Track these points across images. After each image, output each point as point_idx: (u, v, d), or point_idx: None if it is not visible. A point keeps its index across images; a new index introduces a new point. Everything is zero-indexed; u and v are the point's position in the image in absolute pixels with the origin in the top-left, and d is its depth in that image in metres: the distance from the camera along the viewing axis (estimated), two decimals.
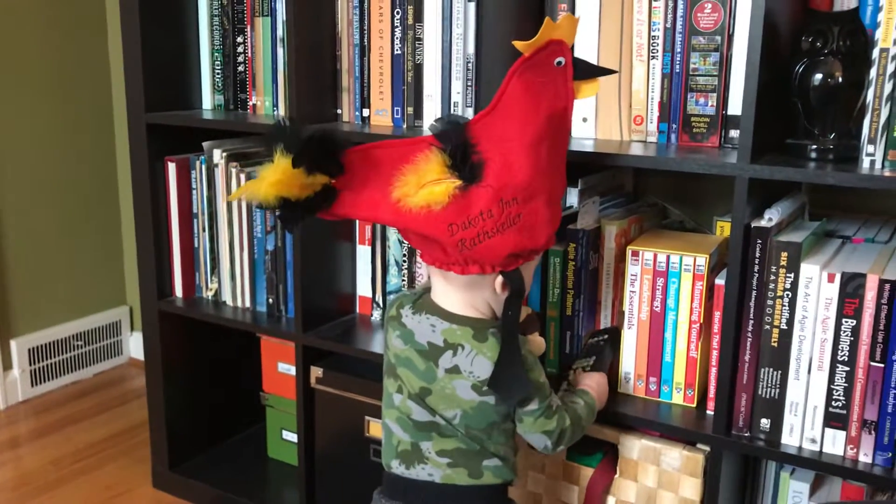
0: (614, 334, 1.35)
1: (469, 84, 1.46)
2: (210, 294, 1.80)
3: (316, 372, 1.63)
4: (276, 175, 0.99)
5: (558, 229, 1.13)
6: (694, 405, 1.32)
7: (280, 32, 1.66)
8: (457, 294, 1.13)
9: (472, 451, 1.14)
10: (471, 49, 1.44)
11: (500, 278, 1.10)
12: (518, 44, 1.04)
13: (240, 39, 1.72)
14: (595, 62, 1.37)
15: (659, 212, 1.53)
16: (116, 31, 2.42)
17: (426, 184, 1.03)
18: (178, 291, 1.82)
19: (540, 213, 1.07)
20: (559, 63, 1.07)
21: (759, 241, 1.16)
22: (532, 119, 1.05)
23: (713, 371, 1.28)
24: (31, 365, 2.38)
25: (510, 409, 1.14)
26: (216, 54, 1.76)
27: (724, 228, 1.40)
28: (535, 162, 1.05)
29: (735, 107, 1.29)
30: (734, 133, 1.29)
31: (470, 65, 1.45)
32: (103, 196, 2.53)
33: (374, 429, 1.59)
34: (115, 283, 2.61)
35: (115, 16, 2.43)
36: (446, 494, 1.15)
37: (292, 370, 1.84)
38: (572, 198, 1.53)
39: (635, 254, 1.30)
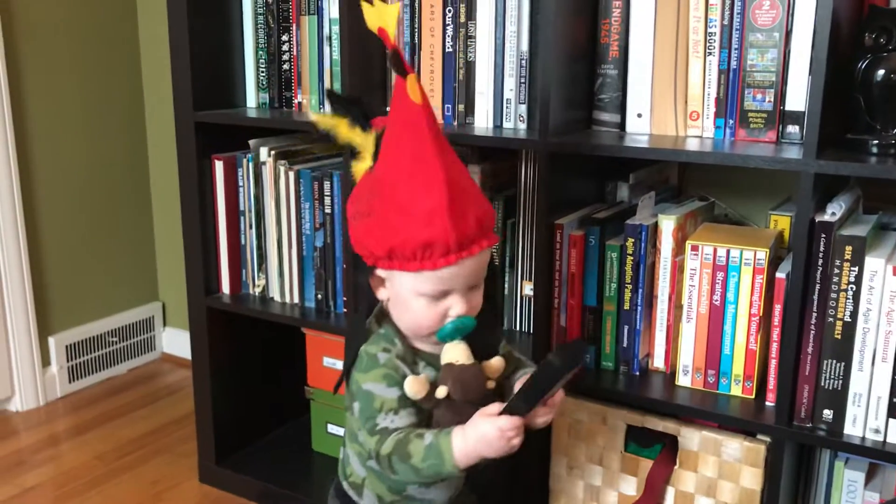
0: (568, 355, 1.00)
1: (522, 81, 1.47)
2: (257, 290, 1.82)
3: None
4: (327, 116, 1.14)
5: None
6: (752, 397, 1.33)
7: (327, 31, 1.67)
8: None
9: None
10: (525, 46, 1.46)
11: None
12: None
13: (285, 38, 1.74)
14: (650, 58, 1.39)
15: (709, 206, 1.54)
16: (147, 28, 2.44)
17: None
18: (225, 288, 1.84)
19: (385, 217, 1.03)
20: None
21: (824, 236, 1.18)
22: (391, 119, 1.07)
23: (772, 363, 1.30)
24: (68, 361, 2.40)
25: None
26: (261, 53, 1.77)
27: (777, 222, 1.42)
28: (387, 160, 1.05)
29: (793, 102, 1.30)
30: (791, 128, 1.31)
31: (524, 62, 1.46)
32: (135, 194, 2.55)
33: None
34: (148, 279, 2.63)
35: (146, 13, 2.44)
36: None
37: (337, 364, 1.86)
38: (623, 192, 1.55)
39: (695, 248, 1.32)
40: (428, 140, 1.03)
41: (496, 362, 1.11)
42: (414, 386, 1.05)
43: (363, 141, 1.12)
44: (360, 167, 1.13)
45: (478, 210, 1.05)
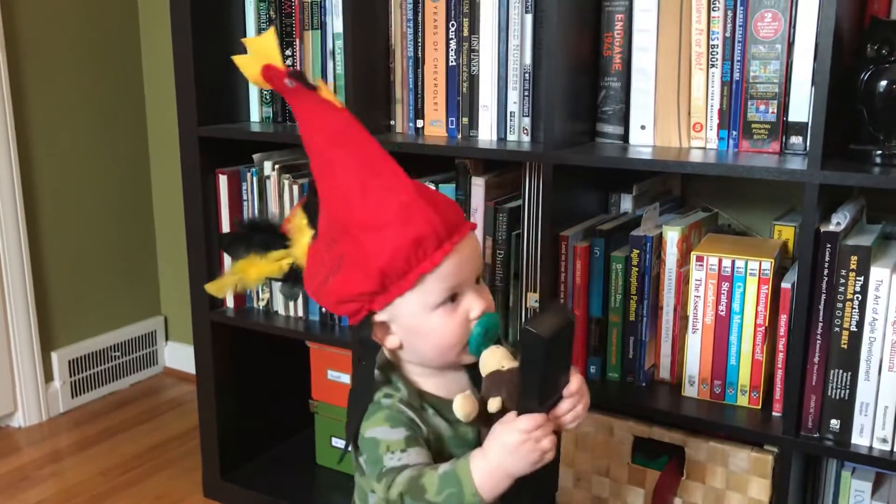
0: (549, 318, 0.89)
1: (526, 94, 1.48)
2: (262, 304, 1.82)
3: None
4: (236, 267, 1.07)
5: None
6: (759, 407, 1.34)
7: (330, 45, 1.68)
8: None
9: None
10: (528, 59, 1.47)
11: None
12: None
13: (288, 52, 1.74)
14: (653, 70, 1.40)
15: (713, 216, 1.55)
16: (149, 45, 2.45)
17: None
18: (229, 302, 1.84)
19: (359, 248, 0.92)
20: (290, 83, 0.96)
21: (829, 246, 1.19)
22: (315, 149, 0.97)
23: (778, 373, 1.31)
24: (71, 377, 2.40)
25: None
26: None
27: (781, 232, 1.42)
28: (332, 193, 0.95)
29: (796, 113, 1.31)
30: (795, 139, 1.32)
31: (527, 75, 1.47)
32: (137, 209, 2.55)
33: None
34: (150, 293, 2.63)
35: (148, 31, 2.45)
36: None
37: (342, 377, 1.86)
38: (626, 204, 1.56)
39: (700, 259, 1.33)
40: (366, 142, 0.96)
41: None
42: (465, 405, 0.90)
43: (287, 251, 1.05)
44: (302, 245, 1.03)
45: (444, 198, 0.98)
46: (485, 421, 0.92)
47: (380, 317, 0.97)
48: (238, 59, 1.00)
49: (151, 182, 2.57)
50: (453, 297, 0.95)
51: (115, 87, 2.43)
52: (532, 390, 0.89)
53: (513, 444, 0.88)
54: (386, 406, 0.97)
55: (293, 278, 1.06)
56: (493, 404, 0.91)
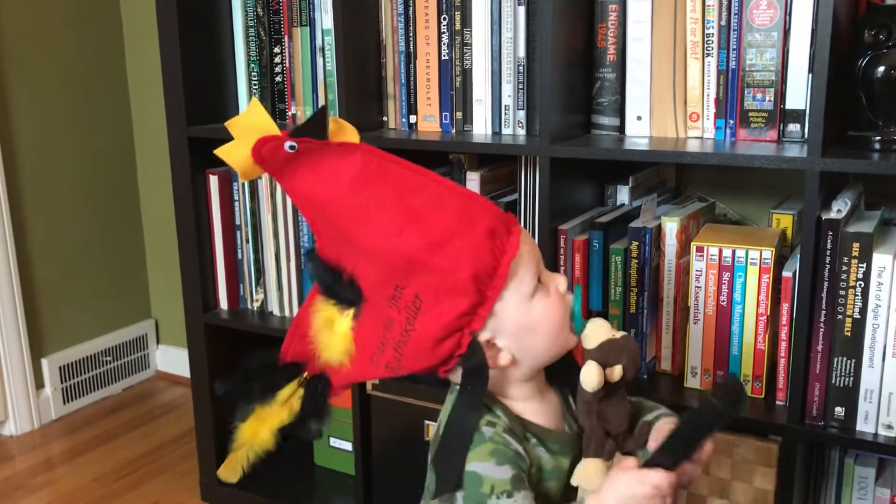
0: (729, 397, 0.85)
1: (520, 87, 1.47)
2: (256, 305, 1.80)
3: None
4: (242, 435, 0.98)
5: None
6: (762, 396, 1.33)
7: (319, 42, 1.66)
8: None
9: None
10: (521, 52, 1.45)
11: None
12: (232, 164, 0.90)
13: (276, 50, 1.72)
14: (648, 61, 1.39)
15: (710, 206, 1.54)
16: (133, 46, 2.42)
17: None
18: (223, 304, 1.82)
19: (440, 272, 0.85)
20: (292, 148, 0.86)
21: (831, 233, 1.18)
22: (338, 205, 0.87)
23: (781, 362, 1.30)
24: (62, 383, 2.37)
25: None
26: (252, 65, 1.76)
27: (780, 220, 1.42)
28: (381, 236, 0.86)
29: (793, 101, 1.30)
30: (792, 127, 1.31)
31: (521, 68, 1.46)
32: (125, 211, 2.52)
33: (432, 432, 1.60)
34: (140, 297, 2.60)
35: (131, 31, 2.42)
36: None
37: None
38: (622, 195, 1.55)
39: (700, 249, 1.32)
40: (391, 166, 0.88)
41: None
42: (596, 374, 0.88)
43: (295, 383, 0.96)
44: (340, 335, 0.92)
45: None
46: (601, 394, 0.90)
47: (483, 336, 0.89)
48: (222, 151, 0.88)
49: (139, 184, 2.54)
50: (538, 277, 0.92)
51: (99, 90, 2.40)
52: (679, 450, 0.85)
53: (641, 497, 0.81)
54: (489, 438, 0.89)
55: (311, 410, 0.97)
56: (616, 372, 0.90)
